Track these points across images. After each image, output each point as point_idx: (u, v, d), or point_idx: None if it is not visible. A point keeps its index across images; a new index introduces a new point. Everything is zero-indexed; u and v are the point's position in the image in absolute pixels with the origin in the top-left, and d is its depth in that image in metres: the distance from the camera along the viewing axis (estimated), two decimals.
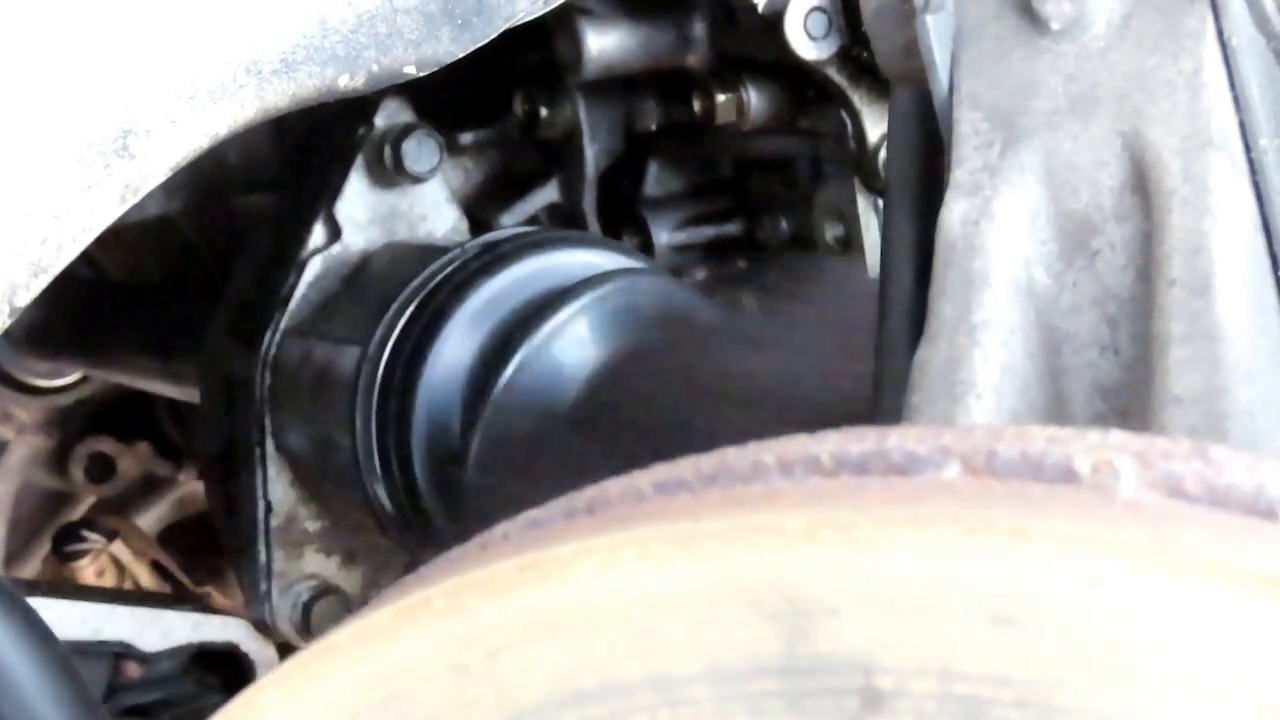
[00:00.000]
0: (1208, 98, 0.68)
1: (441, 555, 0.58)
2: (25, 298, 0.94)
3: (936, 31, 0.74)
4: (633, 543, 0.49)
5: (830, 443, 0.53)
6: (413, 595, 0.52)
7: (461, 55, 1.05)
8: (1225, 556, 0.45)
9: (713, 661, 0.49)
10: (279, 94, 1.00)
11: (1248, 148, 0.68)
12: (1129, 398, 0.67)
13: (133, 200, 0.98)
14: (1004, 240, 0.69)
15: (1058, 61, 0.71)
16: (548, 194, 1.56)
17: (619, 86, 1.51)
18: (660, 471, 0.54)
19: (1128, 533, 0.46)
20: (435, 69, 1.05)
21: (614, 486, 0.55)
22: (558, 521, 0.56)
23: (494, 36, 1.07)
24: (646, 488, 0.54)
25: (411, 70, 1.04)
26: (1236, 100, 0.69)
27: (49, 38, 0.96)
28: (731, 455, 0.54)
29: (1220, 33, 0.69)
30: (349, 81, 1.03)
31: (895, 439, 0.52)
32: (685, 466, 0.54)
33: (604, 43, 1.41)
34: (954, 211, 0.70)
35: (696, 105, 1.44)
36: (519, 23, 1.06)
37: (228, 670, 1.53)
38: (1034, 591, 0.45)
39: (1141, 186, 0.68)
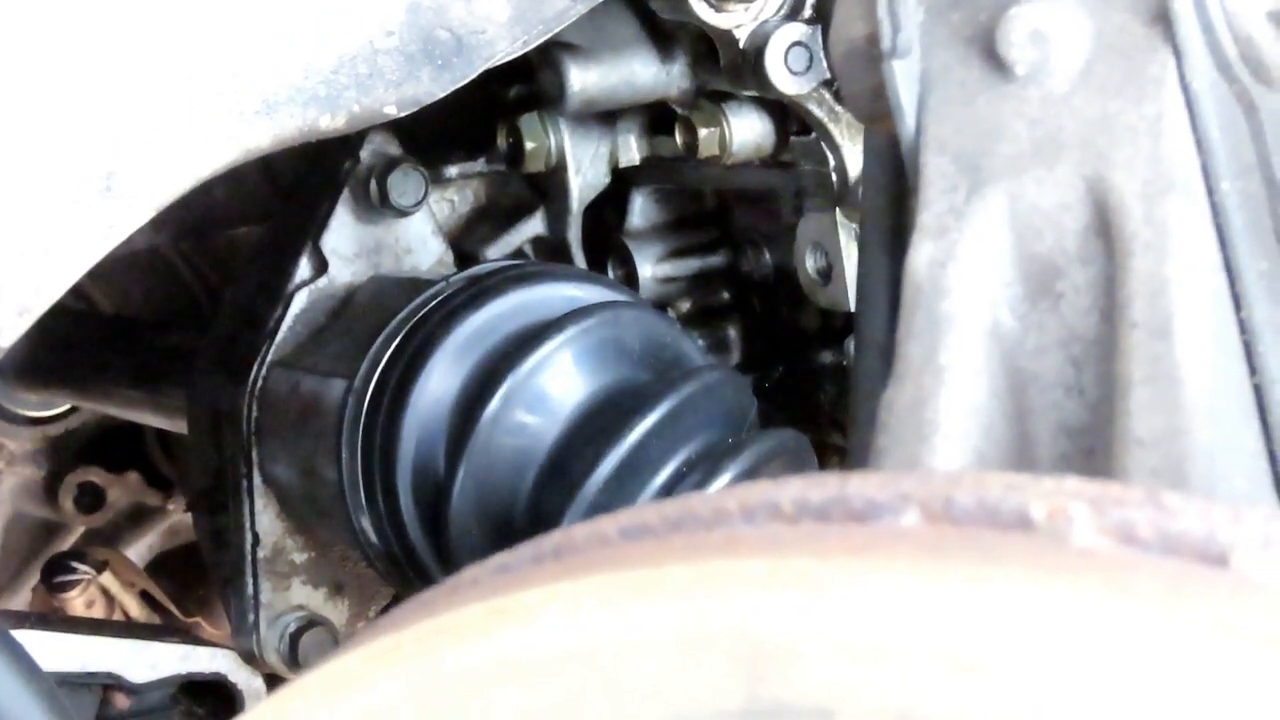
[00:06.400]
0: (1169, 142, 0.69)
1: (412, 598, 0.59)
2: (10, 337, 0.95)
3: (903, 76, 0.74)
4: (596, 589, 0.50)
5: (792, 489, 0.53)
6: (383, 639, 0.53)
7: (442, 95, 1.06)
8: (1175, 604, 0.46)
9: (676, 706, 0.49)
10: (261, 135, 1.01)
11: (1210, 191, 0.69)
12: (1094, 438, 0.68)
13: (117, 240, 0.98)
14: (970, 283, 0.70)
15: (1022, 106, 0.72)
16: (533, 226, 1.56)
17: (603, 120, 1.52)
18: (625, 517, 0.55)
19: (1079, 580, 0.47)
20: (416, 109, 1.06)
21: (580, 531, 0.56)
22: (525, 566, 0.56)
23: (474, 76, 1.07)
24: (612, 533, 0.55)
25: (392, 110, 1.05)
26: (1199, 144, 0.69)
27: (32, 79, 0.97)
28: (695, 501, 0.54)
29: (1182, 77, 0.70)
30: (330, 122, 1.03)
31: (855, 485, 0.53)
32: (650, 512, 0.55)
33: (587, 77, 1.42)
34: (920, 254, 0.71)
35: (679, 139, 1.45)
36: (499, 62, 1.07)
37: (216, 701, 1.53)
38: (988, 638, 0.46)
39: (1105, 230, 0.69)
